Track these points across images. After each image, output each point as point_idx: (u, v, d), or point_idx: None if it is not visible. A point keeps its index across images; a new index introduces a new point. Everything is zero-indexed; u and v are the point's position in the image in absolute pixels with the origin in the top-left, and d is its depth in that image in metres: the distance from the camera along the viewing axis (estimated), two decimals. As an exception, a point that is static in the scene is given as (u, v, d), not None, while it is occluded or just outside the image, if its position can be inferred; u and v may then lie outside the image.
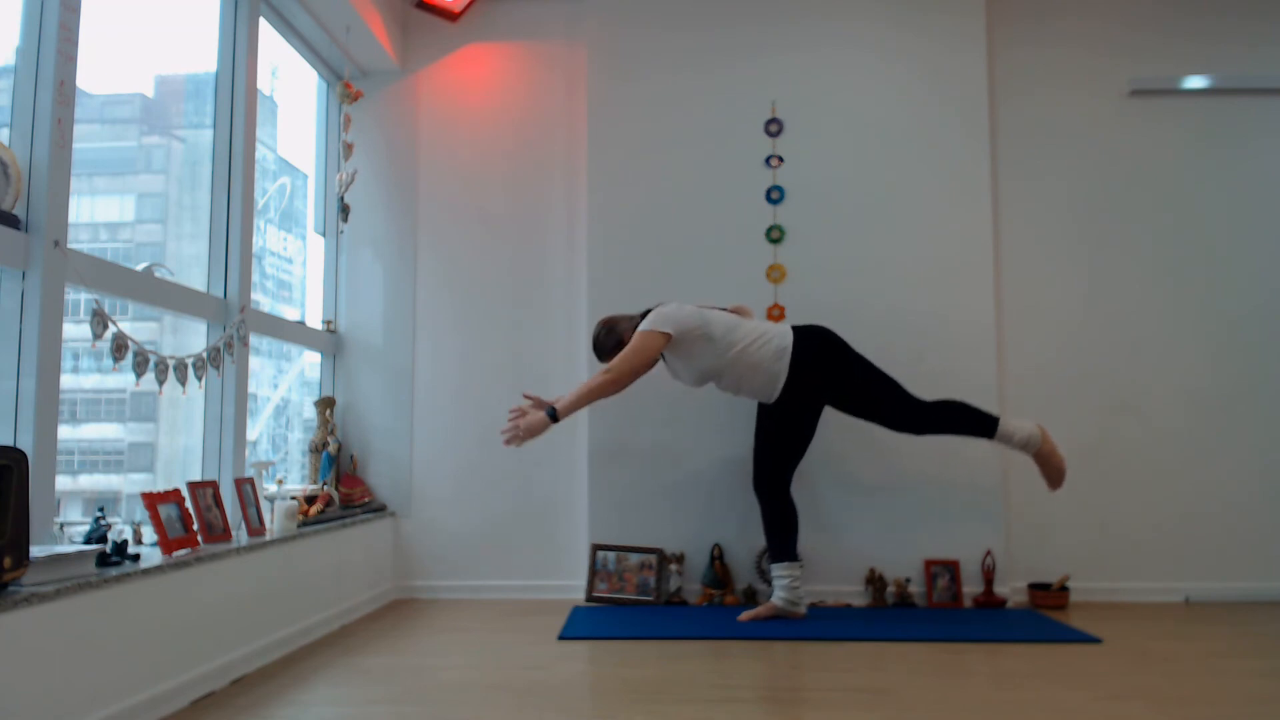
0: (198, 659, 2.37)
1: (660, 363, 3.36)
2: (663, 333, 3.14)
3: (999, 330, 3.88)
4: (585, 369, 3.88)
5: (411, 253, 4.07)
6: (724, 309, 3.40)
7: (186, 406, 3.00)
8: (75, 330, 2.30)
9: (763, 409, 3.39)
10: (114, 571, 2.06)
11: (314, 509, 3.39)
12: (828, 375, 3.25)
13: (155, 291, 2.68)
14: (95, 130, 2.72)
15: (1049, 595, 3.66)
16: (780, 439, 3.31)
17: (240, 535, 2.82)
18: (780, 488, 3.34)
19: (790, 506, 3.35)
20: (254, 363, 3.28)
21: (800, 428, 3.31)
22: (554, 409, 3.12)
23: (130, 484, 2.92)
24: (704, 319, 3.20)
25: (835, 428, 3.74)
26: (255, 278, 3.27)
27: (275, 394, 3.87)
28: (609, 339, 3.31)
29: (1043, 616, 3.46)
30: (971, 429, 3.24)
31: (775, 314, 3.82)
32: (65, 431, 2.30)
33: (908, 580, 3.67)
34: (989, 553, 3.67)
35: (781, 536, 3.32)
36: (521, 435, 3.10)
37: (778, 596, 3.29)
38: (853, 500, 3.74)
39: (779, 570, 3.30)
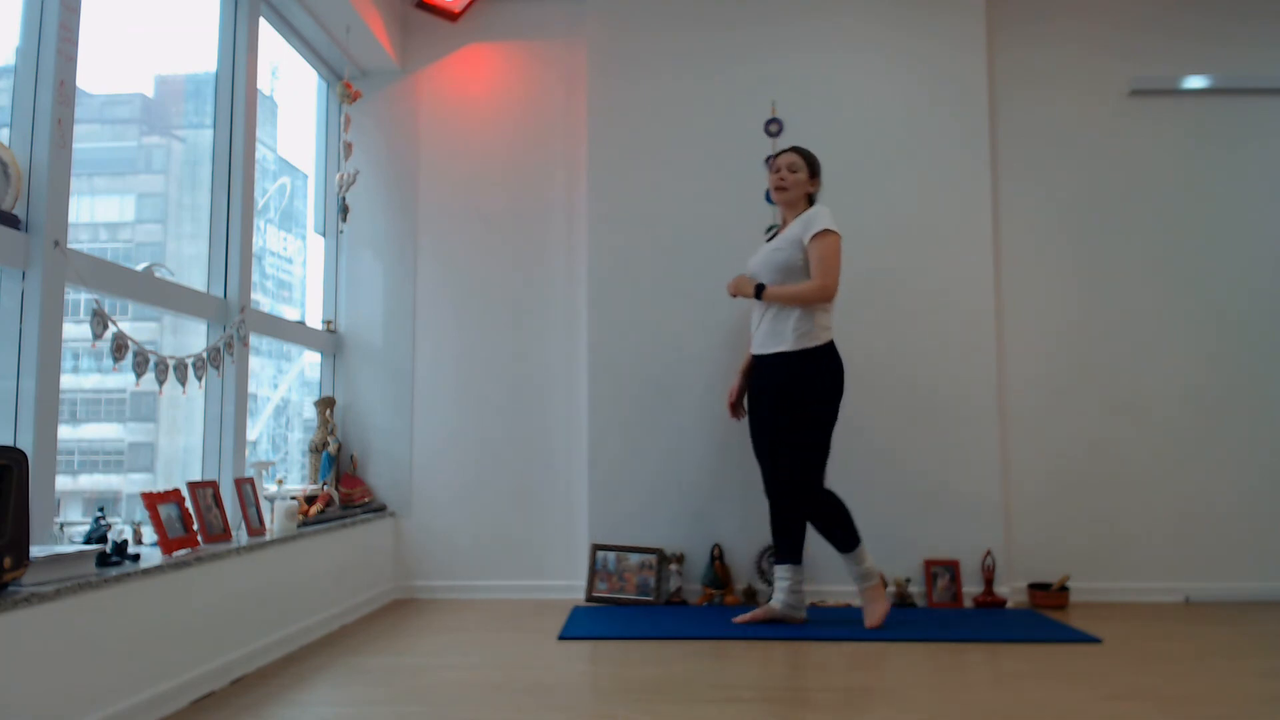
0: (198, 659, 2.37)
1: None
2: (838, 234, 3.21)
3: (999, 330, 3.88)
4: (585, 368, 3.88)
5: (411, 253, 4.07)
6: None
7: (186, 406, 3.00)
8: (75, 330, 2.30)
9: (761, 404, 3.32)
10: (114, 571, 2.06)
11: (314, 509, 3.39)
12: (811, 384, 3.17)
13: (155, 291, 2.68)
14: (95, 130, 2.71)
15: (1049, 595, 3.66)
16: (783, 431, 3.21)
17: (240, 535, 2.82)
18: (792, 488, 3.19)
19: (823, 504, 3.19)
20: (254, 363, 3.28)
21: (778, 417, 3.23)
22: (763, 285, 3.22)
23: (130, 484, 2.92)
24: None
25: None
26: (255, 278, 3.27)
27: (275, 394, 3.87)
28: (810, 163, 3.36)
29: (1043, 616, 3.46)
30: (829, 534, 3.19)
31: (775, 314, 3.82)
32: (65, 431, 2.30)
33: (908, 580, 3.67)
34: (989, 553, 3.67)
35: (789, 538, 3.27)
36: (732, 286, 3.34)
37: (778, 600, 3.26)
38: (853, 500, 3.72)
39: (782, 572, 3.27)
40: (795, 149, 3.39)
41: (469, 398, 4.01)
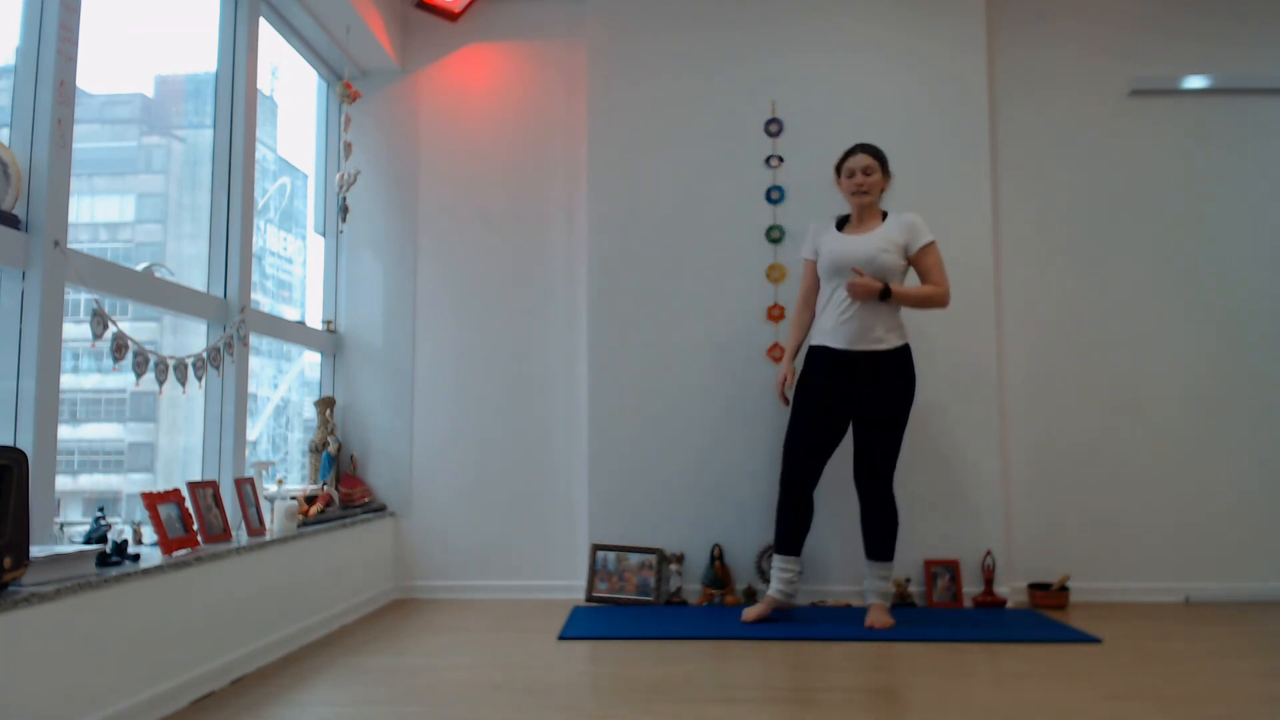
0: (198, 659, 2.37)
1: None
2: None
3: (999, 330, 3.88)
4: (585, 368, 3.88)
5: (411, 252, 4.07)
6: None
7: (186, 406, 3.00)
8: (75, 330, 2.30)
9: (843, 398, 3.25)
10: (114, 571, 2.06)
11: (314, 509, 3.39)
12: (909, 381, 3.27)
13: (155, 291, 2.68)
14: (95, 130, 2.72)
15: (1049, 595, 3.66)
16: (885, 424, 3.26)
17: (240, 535, 2.82)
18: (887, 484, 3.30)
19: (894, 506, 3.34)
20: (254, 363, 3.28)
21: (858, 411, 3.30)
22: (889, 288, 3.16)
23: (130, 484, 2.92)
24: None
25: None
26: (255, 278, 3.27)
27: (275, 394, 3.87)
28: (882, 160, 3.33)
29: (1043, 616, 3.46)
30: (882, 536, 3.30)
31: (775, 314, 3.82)
32: (65, 431, 2.30)
33: (908, 580, 3.67)
34: (989, 553, 3.67)
35: (797, 530, 3.30)
36: (859, 289, 3.15)
37: (775, 589, 3.29)
38: (852, 501, 3.73)
39: (784, 563, 3.29)
40: (864, 148, 3.33)
41: (469, 398, 4.01)
